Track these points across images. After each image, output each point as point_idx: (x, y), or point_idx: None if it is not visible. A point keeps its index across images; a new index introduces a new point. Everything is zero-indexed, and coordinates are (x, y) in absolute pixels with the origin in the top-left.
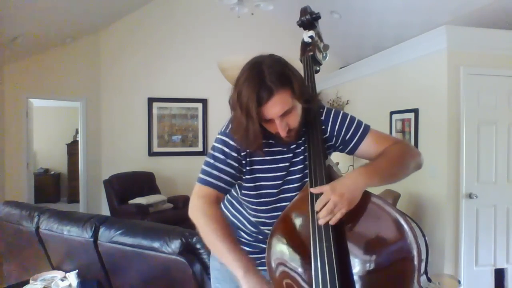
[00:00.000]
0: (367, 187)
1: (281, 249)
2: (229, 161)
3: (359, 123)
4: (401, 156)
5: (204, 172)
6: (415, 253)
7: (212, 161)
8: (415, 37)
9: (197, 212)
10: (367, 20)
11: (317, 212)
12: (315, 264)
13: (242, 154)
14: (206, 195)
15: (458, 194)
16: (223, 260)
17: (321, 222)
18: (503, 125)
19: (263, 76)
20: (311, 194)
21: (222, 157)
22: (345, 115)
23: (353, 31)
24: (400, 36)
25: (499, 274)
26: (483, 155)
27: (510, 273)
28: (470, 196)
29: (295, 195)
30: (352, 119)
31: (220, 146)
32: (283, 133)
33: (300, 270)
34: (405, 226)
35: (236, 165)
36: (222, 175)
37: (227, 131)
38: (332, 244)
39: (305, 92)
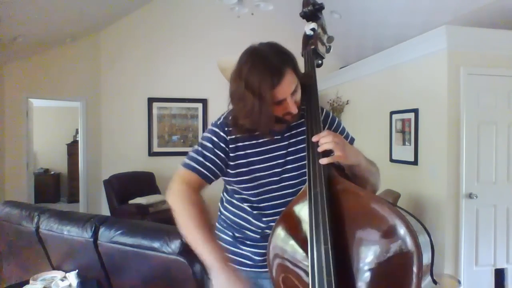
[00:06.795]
0: (354, 156)
1: (280, 244)
2: (216, 150)
3: (348, 134)
4: (374, 167)
5: (190, 157)
6: (414, 258)
7: (200, 148)
8: (415, 37)
9: (177, 197)
10: (367, 20)
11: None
12: (312, 266)
13: (231, 146)
14: (189, 181)
15: (458, 194)
16: (198, 249)
17: (314, 139)
18: (503, 125)
19: (268, 60)
20: (310, 188)
21: (210, 145)
22: (339, 122)
23: (353, 31)
24: (400, 36)
25: (499, 274)
26: (483, 155)
27: (510, 273)
28: (470, 196)
29: (297, 182)
30: (344, 128)
31: (209, 135)
32: (295, 110)
33: (299, 265)
34: (404, 229)
35: (223, 156)
36: (207, 163)
37: (219, 123)
38: (330, 246)
39: (299, 69)
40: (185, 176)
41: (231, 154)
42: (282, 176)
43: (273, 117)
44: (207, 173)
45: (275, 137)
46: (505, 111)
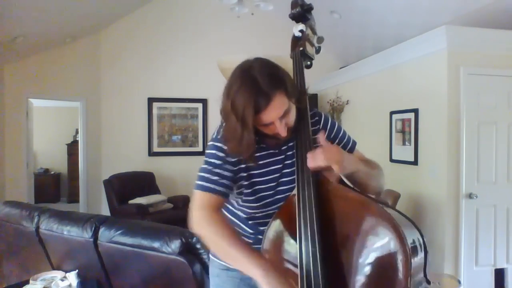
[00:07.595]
0: (350, 164)
1: (273, 247)
2: (225, 165)
3: (349, 138)
4: (375, 170)
5: (202, 178)
6: (403, 259)
7: (209, 167)
8: (415, 37)
9: (201, 223)
10: (367, 20)
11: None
12: (300, 268)
13: (235, 160)
14: (207, 204)
15: (458, 194)
16: (237, 266)
17: (309, 163)
18: (503, 125)
19: (257, 83)
20: (298, 191)
21: (218, 162)
22: (339, 128)
23: (353, 31)
24: (400, 36)
25: (499, 274)
26: (483, 155)
27: (510, 273)
28: (470, 196)
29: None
30: (344, 133)
31: (214, 152)
32: (284, 134)
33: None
34: (392, 230)
35: (233, 168)
36: (220, 180)
37: (219, 137)
38: (318, 248)
39: (296, 90)
40: (201, 198)
41: (235, 168)
42: (276, 189)
43: (253, 144)
44: (222, 189)
45: (273, 151)
46: (505, 111)
